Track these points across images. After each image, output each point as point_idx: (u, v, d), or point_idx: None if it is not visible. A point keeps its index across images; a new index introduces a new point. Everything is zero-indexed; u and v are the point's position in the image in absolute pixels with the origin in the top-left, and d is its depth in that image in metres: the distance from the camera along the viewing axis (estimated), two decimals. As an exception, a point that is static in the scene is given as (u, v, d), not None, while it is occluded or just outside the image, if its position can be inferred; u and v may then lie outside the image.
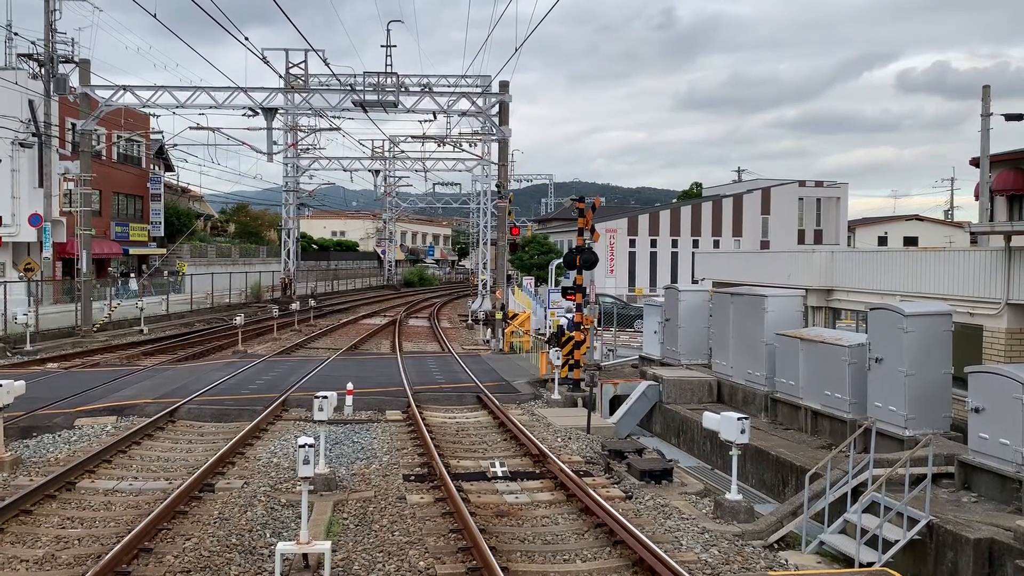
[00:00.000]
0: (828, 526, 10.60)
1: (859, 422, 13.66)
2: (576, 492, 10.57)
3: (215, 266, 49.96)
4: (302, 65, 41.39)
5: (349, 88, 30.70)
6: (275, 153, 33.67)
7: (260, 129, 31.82)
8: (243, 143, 37.23)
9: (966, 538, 9.59)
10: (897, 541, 9.94)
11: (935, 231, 58.68)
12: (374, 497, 10.65)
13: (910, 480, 10.23)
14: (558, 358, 18.17)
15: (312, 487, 9.39)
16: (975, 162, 21.79)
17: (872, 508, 10.46)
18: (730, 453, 10.67)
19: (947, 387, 13.84)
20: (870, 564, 9.61)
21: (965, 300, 16.73)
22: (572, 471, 11.47)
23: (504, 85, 32.16)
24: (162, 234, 49.17)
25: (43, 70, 35.05)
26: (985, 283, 16.43)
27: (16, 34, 40.27)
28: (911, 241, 56.65)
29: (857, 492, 10.98)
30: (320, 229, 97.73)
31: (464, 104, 31.81)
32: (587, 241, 19.73)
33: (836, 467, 11.32)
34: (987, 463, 11.28)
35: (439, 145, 44.51)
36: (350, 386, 14.41)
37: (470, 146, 42.99)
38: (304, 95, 33.11)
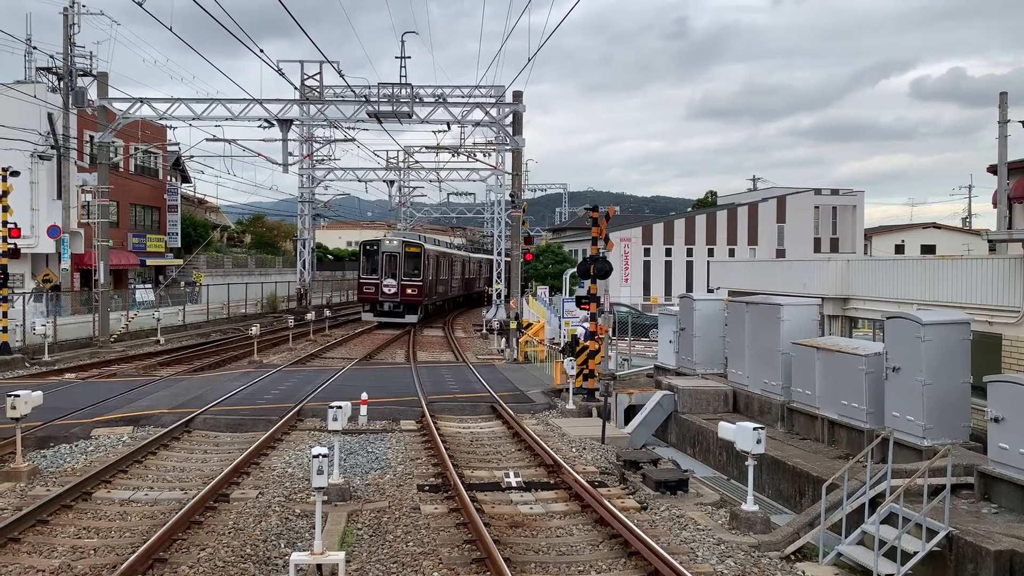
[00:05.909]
0: (846, 537, 10.49)
1: (876, 432, 13.53)
2: (591, 503, 10.52)
3: (231, 277, 50.27)
4: (317, 77, 41.69)
5: (364, 99, 30.87)
6: (290, 164, 33.89)
7: (276, 140, 32.10)
8: (259, 154, 37.47)
9: (986, 550, 9.47)
10: (916, 553, 9.82)
11: (953, 239, 58.18)
12: (388, 507, 10.64)
13: (929, 491, 10.11)
14: (572, 368, 18.13)
15: (326, 497, 9.41)
16: (993, 169, 21.61)
17: (890, 519, 10.35)
18: (746, 463, 10.59)
19: (966, 397, 13.70)
20: (889, 576, 9.50)
21: (983, 309, 16.55)
22: (587, 481, 11.42)
23: (518, 95, 32.23)
24: (179, 245, 49.53)
25: (62, 83, 35.45)
26: (1004, 291, 16.26)
27: (35, 48, 40.81)
28: (928, 249, 56.21)
29: (875, 503, 10.88)
30: (335, 239, 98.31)
31: (478, 114, 31.89)
32: (601, 250, 19.70)
33: (853, 477, 11.21)
34: (1007, 473, 11.15)
35: (453, 155, 44.67)
36: (364, 396, 14.40)
37: (484, 156, 43.09)
38: (319, 107, 33.33)
